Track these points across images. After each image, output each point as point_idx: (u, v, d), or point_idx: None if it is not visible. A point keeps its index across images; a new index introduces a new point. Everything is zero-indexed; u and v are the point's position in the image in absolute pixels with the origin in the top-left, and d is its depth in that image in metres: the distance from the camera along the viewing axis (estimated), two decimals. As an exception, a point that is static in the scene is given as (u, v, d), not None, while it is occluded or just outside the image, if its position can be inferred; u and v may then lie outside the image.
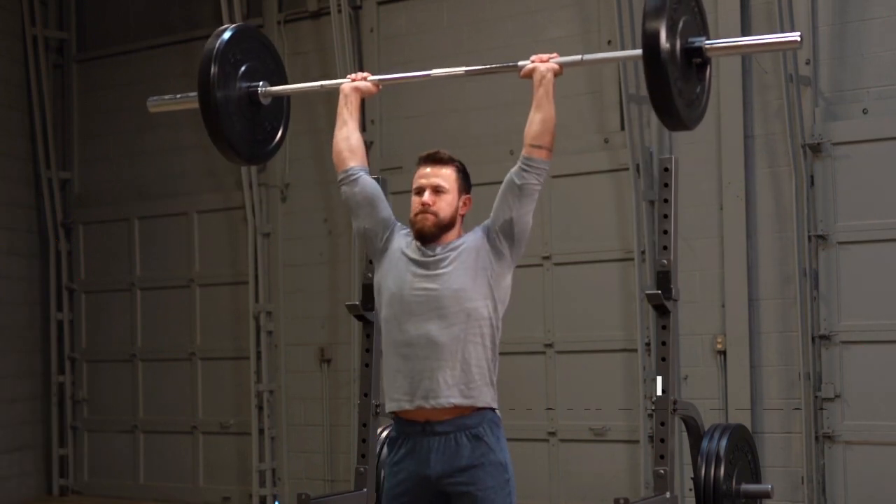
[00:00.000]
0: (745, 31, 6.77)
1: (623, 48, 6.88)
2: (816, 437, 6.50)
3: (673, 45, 3.37)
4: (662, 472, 4.41)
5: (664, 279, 4.64)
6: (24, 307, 9.20)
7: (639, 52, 3.40)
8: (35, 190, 9.29)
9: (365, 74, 3.88)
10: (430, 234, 3.52)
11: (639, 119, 6.95)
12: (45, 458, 9.28)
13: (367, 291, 4.71)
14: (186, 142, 8.89)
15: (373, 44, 8.04)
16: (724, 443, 4.75)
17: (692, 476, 4.81)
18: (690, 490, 4.99)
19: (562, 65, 3.58)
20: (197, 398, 8.80)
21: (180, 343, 8.89)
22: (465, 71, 3.75)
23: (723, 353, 6.80)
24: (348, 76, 3.88)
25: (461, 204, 3.58)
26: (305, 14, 8.30)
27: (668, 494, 4.39)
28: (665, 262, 4.67)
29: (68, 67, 9.43)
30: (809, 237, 6.55)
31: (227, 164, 8.16)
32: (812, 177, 6.60)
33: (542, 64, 3.58)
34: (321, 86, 4.13)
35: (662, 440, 4.49)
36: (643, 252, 6.94)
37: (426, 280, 3.46)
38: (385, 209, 3.70)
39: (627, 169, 7.02)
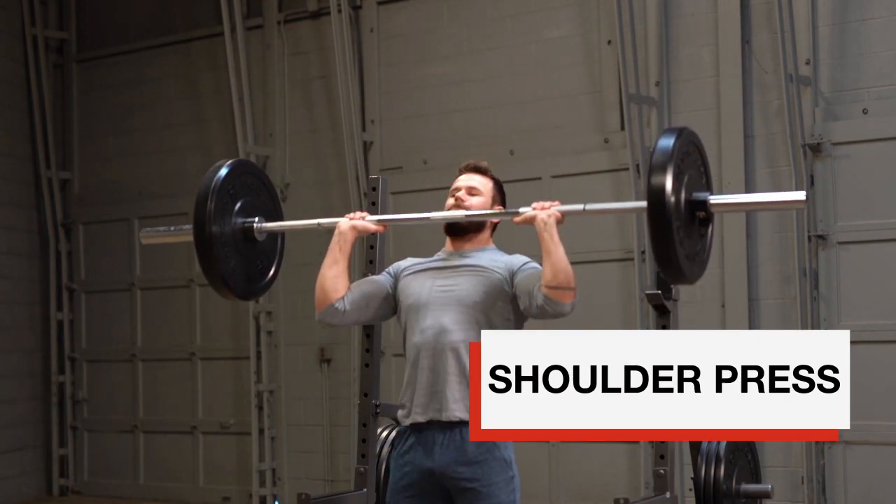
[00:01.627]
0: (745, 32, 6.78)
1: (623, 48, 6.89)
2: (816, 437, 6.50)
3: (678, 199, 3.36)
4: (662, 472, 4.40)
5: (664, 279, 4.64)
6: (24, 307, 9.20)
7: (643, 204, 3.38)
8: (35, 190, 9.29)
9: (363, 214, 3.79)
10: (460, 227, 3.62)
11: (639, 119, 6.95)
12: (45, 458, 9.28)
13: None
14: (186, 142, 8.89)
15: (373, 44, 8.04)
16: (723, 443, 4.75)
17: (692, 476, 4.80)
18: (690, 490, 4.99)
19: (563, 213, 3.52)
20: (197, 398, 8.81)
21: (180, 343, 8.89)
22: (465, 216, 3.68)
23: (723, 353, 6.79)
24: (346, 215, 3.78)
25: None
26: (305, 14, 8.30)
27: (668, 494, 4.39)
28: (665, 262, 4.66)
29: (68, 67, 9.43)
30: (809, 237, 6.56)
31: (227, 164, 8.18)
32: (812, 177, 6.60)
33: (543, 211, 3.50)
34: (318, 224, 4.03)
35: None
36: (643, 252, 6.94)
37: (448, 279, 3.56)
38: (379, 280, 3.74)
39: (627, 169, 7.02)
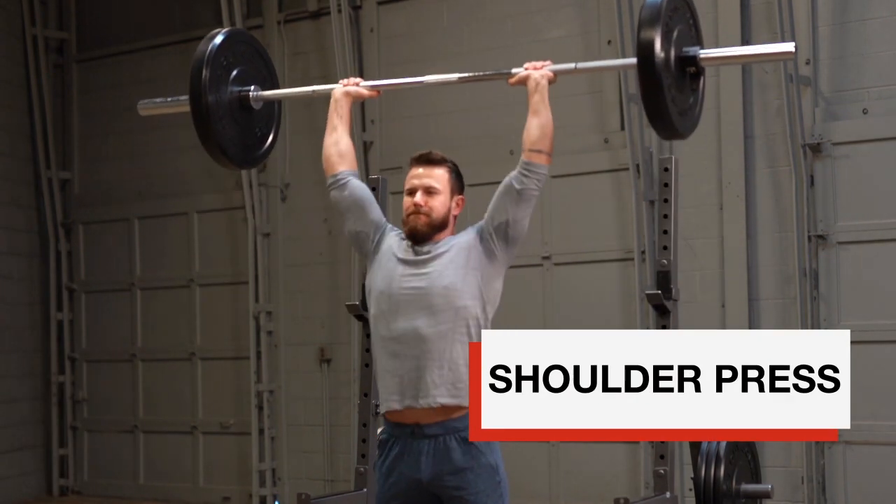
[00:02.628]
0: (745, 32, 6.77)
1: (623, 49, 6.89)
2: (816, 437, 6.51)
3: (667, 54, 3.40)
4: (662, 472, 4.41)
5: (664, 279, 4.65)
6: (24, 307, 9.20)
7: (633, 60, 3.42)
8: (35, 190, 9.29)
9: (357, 80, 3.84)
10: (422, 235, 3.51)
11: (639, 119, 6.94)
12: (45, 458, 9.28)
13: (367, 291, 4.72)
14: (186, 142, 8.87)
15: (373, 44, 8.04)
16: (723, 443, 4.75)
17: (692, 476, 4.80)
18: (690, 490, 4.99)
19: (556, 72, 3.60)
20: (197, 398, 8.80)
21: (180, 343, 8.89)
22: (459, 78, 3.74)
23: (723, 353, 6.79)
24: (340, 81, 3.85)
25: (454, 204, 3.58)
26: (305, 14, 8.30)
27: (668, 494, 4.39)
28: (665, 262, 4.67)
29: (68, 67, 9.43)
30: (809, 237, 6.56)
31: (227, 164, 8.18)
32: (812, 177, 6.60)
33: (536, 71, 3.58)
34: (313, 91, 4.10)
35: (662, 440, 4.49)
36: (643, 252, 6.94)
37: (415, 278, 3.46)
38: (375, 211, 3.68)
39: (627, 169, 7.02)
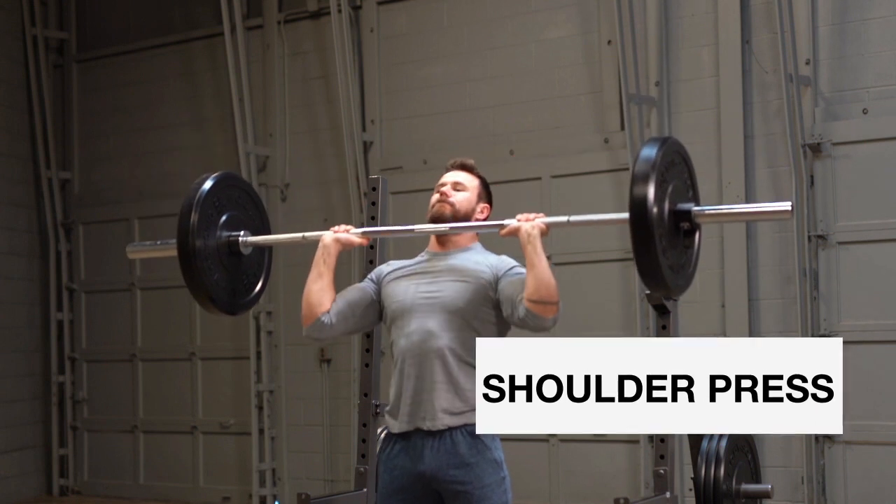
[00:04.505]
0: (745, 33, 6.78)
1: (623, 49, 6.89)
2: (816, 437, 6.50)
3: (661, 210, 3.28)
4: (662, 472, 4.40)
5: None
6: (24, 307, 9.20)
7: (625, 215, 3.30)
8: (35, 190, 9.29)
9: (347, 227, 3.76)
10: (445, 221, 3.60)
11: (639, 119, 6.95)
12: (45, 458, 9.28)
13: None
14: (186, 142, 8.89)
15: (373, 44, 8.04)
16: (724, 443, 4.74)
17: (692, 476, 4.80)
18: (690, 490, 4.99)
19: (548, 224, 3.48)
20: (197, 398, 8.81)
21: (180, 343, 8.89)
22: (450, 228, 3.65)
23: (723, 353, 6.79)
24: (331, 229, 3.76)
25: (479, 209, 3.66)
26: (305, 14, 8.30)
27: (668, 494, 4.39)
28: (665, 262, 4.66)
29: (68, 67, 9.43)
30: (809, 237, 6.56)
31: (227, 164, 8.18)
32: (812, 177, 6.60)
33: (527, 223, 3.46)
34: (303, 237, 3.95)
35: (662, 440, 4.48)
36: (643, 252, 6.93)
37: (431, 285, 3.54)
38: (363, 288, 3.70)
39: (627, 169, 7.02)
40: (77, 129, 9.42)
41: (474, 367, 3.45)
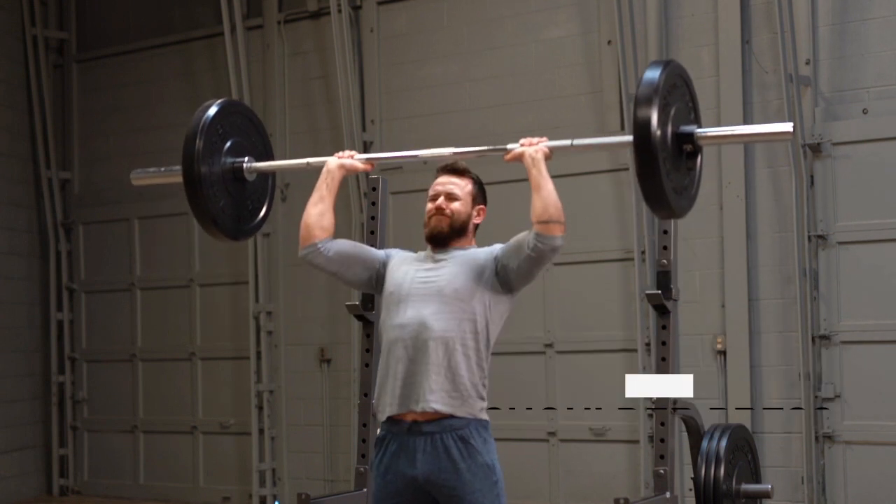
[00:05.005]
0: (745, 33, 6.78)
1: (623, 49, 6.89)
2: (816, 437, 6.51)
3: (664, 133, 3.33)
4: (662, 472, 4.41)
5: (664, 279, 4.64)
6: (24, 307, 9.20)
7: (629, 138, 3.36)
8: (35, 190, 9.29)
9: (352, 153, 3.80)
10: (443, 235, 3.57)
11: (639, 119, 6.93)
12: (45, 458, 9.28)
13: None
14: (186, 142, 8.88)
15: (373, 44, 8.04)
16: (724, 443, 4.75)
17: (692, 476, 4.80)
18: (690, 490, 4.99)
19: (551, 148, 3.54)
20: (197, 398, 8.80)
21: (180, 343, 8.89)
22: (454, 153, 3.69)
23: (723, 353, 6.80)
24: (336, 154, 3.79)
25: (475, 213, 3.64)
26: (305, 14, 8.30)
27: (668, 494, 4.39)
28: (665, 262, 4.67)
29: (68, 67, 9.43)
30: (809, 237, 6.56)
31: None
32: (812, 177, 6.60)
33: (531, 147, 3.52)
34: (307, 163, 4.00)
35: (662, 440, 4.49)
36: (643, 252, 6.94)
37: (430, 272, 3.53)
38: (372, 250, 3.72)
39: (627, 169, 7.02)
40: (77, 129, 9.42)
41: (469, 353, 3.44)
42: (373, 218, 4.89)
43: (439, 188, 3.63)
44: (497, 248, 3.55)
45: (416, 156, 3.85)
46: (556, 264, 7.30)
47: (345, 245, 3.66)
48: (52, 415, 9.25)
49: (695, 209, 6.96)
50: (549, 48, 7.49)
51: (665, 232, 4.70)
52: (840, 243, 6.54)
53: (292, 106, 8.35)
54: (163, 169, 4.22)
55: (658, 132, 3.27)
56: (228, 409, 8.64)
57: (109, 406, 9.23)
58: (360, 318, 5.18)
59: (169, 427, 8.93)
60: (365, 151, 7.93)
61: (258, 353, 8.33)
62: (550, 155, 3.52)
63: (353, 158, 3.77)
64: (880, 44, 6.52)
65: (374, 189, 4.92)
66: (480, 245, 3.67)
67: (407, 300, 3.50)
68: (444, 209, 3.58)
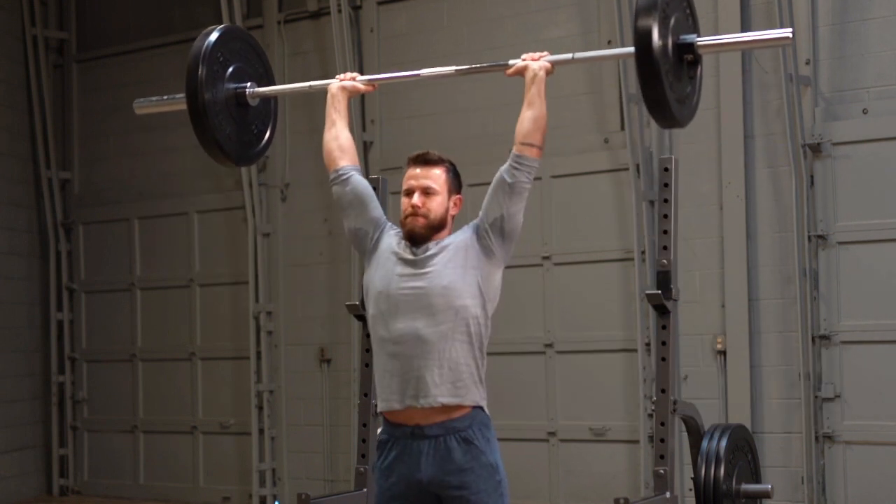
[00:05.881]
0: (745, 31, 6.77)
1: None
2: (816, 437, 6.51)
3: (665, 42, 3.41)
4: (662, 472, 4.41)
5: (664, 279, 4.64)
6: (24, 307, 9.20)
7: (631, 49, 3.44)
8: (35, 190, 9.29)
9: (354, 75, 3.88)
10: (420, 236, 3.49)
11: (639, 119, 6.95)
12: (45, 458, 9.28)
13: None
14: (186, 142, 8.86)
15: (373, 44, 8.04)
16: (724, 443, 4.75)
17: (692, 476, 4.81)
18: (690, 490, 4.99)
19: (553, 63, 3.59)
20: (197, 398, 8.80)
21: (180, 343, 8.89)
22: (456, 70, 3.77)
23: (723, 353, 6.80)
24: (337, 76, 3.87)
25: (452, 204, 3.56)
26: (305, 14, 8.30)
27: (668, 494, 4.39)
28: (665, 262, 4.67)
29: (68, 67, 9.43)
30: (809, 237, 6.56)
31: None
32: (812, 177, 6.60)
33: (534, 62, 3.58)
34: (309, 86, 4.12)
35: (662, 440, 4.49)
36: (643, 252, 6.94)
37: (414, 278, 3.44)
38: (376, 209, 3.66)
39: (627, 169, 7.02)
40: (77, 129, 9.42)
41: (464, 339, 3.40)
42: (373, 218, 4.89)
43: (413, 183, 3.52)
44: (472, 223, 3.51)
45: (417, 74, 3.93)
46: (556, 264, 7.31)
47: (364, 188, 3.66)
48: (52, 415, 9.25)
49: (695, 209, 7.00)
50: (549, 48, 7.41)
51: (665, 232, 4.70)
52: (840, 243, 6.54)
53: (292, 106, 8.35)
54: (165, 97, 4.24)
55: (659, 42, 3.36)
56: (228, 409, 8.64)
57: (109, 406, 9.24)
58: (360, 318, 5.18)
59: (169, 427, 8.93)
60: (365, 151, 7.93)
61: (258, 353, 8.33)
62: (552, 70, 3.57)
63: (355, 80, 3.84)
64: (880, 44, 6.52)
65: (374, 189, 4.92)
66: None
67: (397, 309, 3.43)
68: (418, 208, 3.49)
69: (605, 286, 7.20)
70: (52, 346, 9.24)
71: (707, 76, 6.87)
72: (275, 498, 8.22)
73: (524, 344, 7.34)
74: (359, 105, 7.95)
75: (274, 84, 4.26)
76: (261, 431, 8.30)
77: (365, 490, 4.75)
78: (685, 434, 5.21)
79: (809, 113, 6.61)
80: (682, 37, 3.53)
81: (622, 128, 7.08)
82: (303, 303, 8.31)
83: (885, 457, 6.39)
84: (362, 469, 4.80)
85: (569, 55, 3.70)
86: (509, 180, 3.45)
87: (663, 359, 4.59)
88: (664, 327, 4.60)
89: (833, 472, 6.52)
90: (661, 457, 4.43)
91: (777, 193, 6.70)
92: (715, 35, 6.77)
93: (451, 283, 3.41)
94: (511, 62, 3.64)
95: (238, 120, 4.06)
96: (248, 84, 4.08)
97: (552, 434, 7.36)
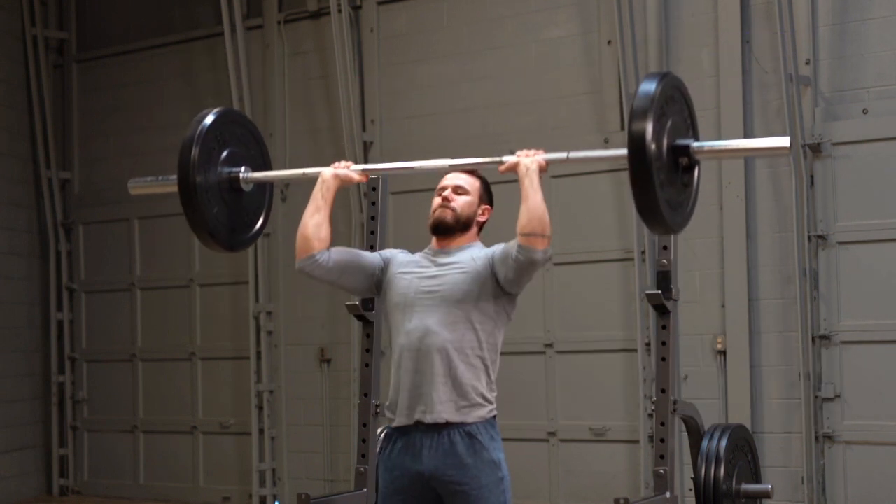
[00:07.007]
0: (745, 33, 6.78)
1: (623, 49, 6.89)
2: (816, 437, 6.51)
3: (659, 144, 3.26)
4: (662, 472, 4.40)
5: (664, 279, 4.64)
6: (24, 307, 9.20)
7: (624, 151, 3.30)
8: (35, 190, 9.29)
9: (348, 163, 3.77)
10: (447, 226, 3.58)
11: (639, 119, 6.93)
12: (45, 458, 9.28)
13: (367, 292, 4.71)
14: (186, 142, 8.88)
15: (373, 44, 8.04)
16: (724, 443, 4.75)
17: (692, 476, 4.80)
18: (690, 490, 4.99)
19: (547, 161, 3.52)
20: (197, 398, 8.80)
21: (180, 343, 8.89)
22: (450, 165, 3.68)
23: (723, 353, 6.80)
24: (332, 164, 3.77)
25: (480, 211, 3.65)
26: (305, 14, 8.30)
27: (668, 494, 4.39)
28: (665, 262, 4.67)
29: (68, 67, 9.43)
30: (809, 237, 6.55)
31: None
32: (812, 177, 6.60)
33: (527, 158, 3.52)
34: (303, 173, 3.96)
35: (662, 440, 4.48)
36: (643, 252, 6.94)
37: (433, 280, 3.54)
38: (368, 256, 3.70)
39: (627, 169, 7.00)
40: (77, 129, 9.42)
41: (474, 361, 3.46)
42: (373, 218, 4.89)
43: (446, 182, 3.66)
44: (494, 249, 3.56)
45: (411, 167, 3.82)
46: (556, 264, 7.31)
47: (342, 254, 3.65)
48: (52, 415, 9.25)
49: (695, 209, 6.96)
50: (549, 48, 7.49)
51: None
52: (840, 243, 6.54)
53: (292, 106, 8.36)
54: (160, 178, 4.17)
55: (653, 144, 3.21)
56: (228, 409, 8.64)
57: (109, 406, 9.23)
58: (360, 318, 5.17)
59: (169, 427, 8.93)
60: (365, 151, 7.93)
61: (258, 353, 8.33)
62: (546, 167, 3.50)
63: (349, 169, 3.74)
64: (880, 44, 6.52)
65: (374, 189, 4.92)
66: (486, 243, 3.68)
67: (412, 309, 3.52)
68: (449, 201, 3.60)
69: (605, 286, 7.20)
70: (52, 346, 9.23)
71: (707, 76, 6.93)
72: (275, 498, 8.22)
73: (524, 344, 7.34)
74: (359, 105, 7.95)
75: (270, 169, 4.14)
76: (261, 431, 8.30)
77: (365, 490, 4.75)
78: (685, 434, 5.21)
79: (809, 113, 6.61)
80: (678, 140, 3.38)
81: (622, 128, 7.08)
82: (303, 303, 8.30)
83: (885, 457, 6.39)
84: (362, 469, 4.80)
85: (563, 154, 3.59)
86: (514, 263, 3.43)
87: (663, 359, 4.58)
88: (664, 327, 4.59)
89: (833, 472, 6.52)
90: (661, 457, 4.43)
91: (777, 193, 6.70)
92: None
93: (466, 297, 3.49)
94: (504, 158, 3.55)
95: (230, 204, 3.95)
96: (242, 168, 3.97)
97: (552, 434, 7.36)
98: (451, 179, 3.66)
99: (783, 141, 3.50)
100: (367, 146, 7.95)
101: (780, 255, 6.69)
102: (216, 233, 3.89)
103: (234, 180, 3.95)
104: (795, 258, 6.54)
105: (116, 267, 9.19)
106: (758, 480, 5.05)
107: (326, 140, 8.18)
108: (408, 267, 3.62)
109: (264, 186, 4.14)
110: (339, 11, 7.86)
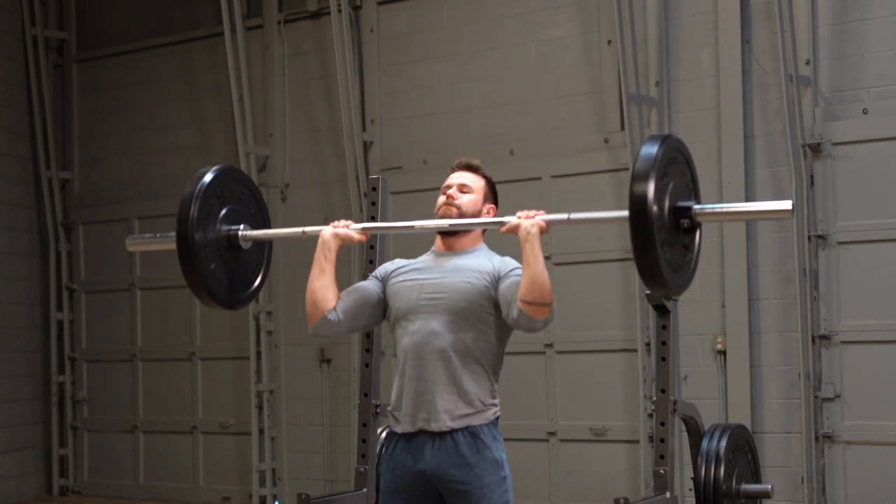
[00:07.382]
0: (745, 33, 6.78)
1: (623, 49, 6.89)
2: (816, 437, 6.51)
3: (661, 207, 3.25)
4: (662, 472, 4.40)
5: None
6: (24, 307, 9.20)
7: (626, 213, 3.26)
8: (35, 190, 9.29)
9: (347, 223, 3.74)
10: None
11: (639, 119, 6.95)
12: (45, 458, 9.28)
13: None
14: (186, 142, 8.89)
15: (373, 44, 8.04)
16: (724, 443, 4.75)
17: (692, 476, 4.80)
18: (690, 490, 4.99)
19: (547, 222, 3.45)
20: (197, 398, 8.80)
21: (180, 343, 8.89)
22: (450, 224, 3.64)
23: (723, 353, 6.80)
24: (331, 223, 3.74)
25: (485, 210, 3.66)
26: (305, 14, 8.30)
27: (668, 494, 4.39)
28: (665, 262, 4.66)
29: (68, 67, 9.43)
30: (809, 237, 6.56)
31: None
32: (812, 177, 6.60)
33: (527, 220, 3.43)
34: (303, 231, 3.90)
35: (662, 440, 4.48)
36: (643, 252, 6.93)
37: (437, 284, 3.54)
38: (368, 287, 3.69)
39: (627, 169, 7.01)
40: (77, 129, 9.42)
41: (477, 368, 3.46)
42: (373, 218, 4.88)
43: (451, 181, 3.67)
44: (503, 270, 3.52)
45: (411, 226, 3.79)
46: (556, 264, 7.31)
47: (346, 301, 3.62)
48: (52, 415, 9.25)
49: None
50: (549, 48, 7.49)
51: (665, 232, 4.68)
52: (840, 243, 6.54)
53: (292, 106, 8.36)
54: (158, 235, 4.16)
55: (655, 206, 3.18)
56: (228, 409, 8.64)
57: (109, 406, 9.24)
58: (359, 318, 5.17)
59: (169, 427, 8.93)
60: (365, 151, 7.93)
61: (258, 353, 8.33)
62: (546, 229, 3.43)
63: (349, 228, 3.70)
64: (880, 44, 6.52)
65: (374, 189, 4.91)
66: (488, 243, 3.69)
67: (416, 313, 3.52)
68: (454, 199, 3.61)
69: (605, 286, 7.20)
70: (52, 346, 9.23)
71: (707, 76, 6.93)
72: (275, 498, 8.22)
73: (524, 343, 7.31)
74: (359, 105, 7.95)
75: (269, 227, 4.10)
76: (261, 431, 8.30)
77: (365, 490, 4.75)
78: (685, 434, 5.21)
79: (809, 113, 6.61)
80: (680, 202, 3.37)
81: (622, 128, 7.08)
82: (303, 303, 8.26)
83: (885, 457, 6.40)
84: (362, 469, 4.80)
85: (564, 216, 3.52)
86: (512, 317, 3.41)
87: (663, 359, 4.58)
88: (664, 327, 4.59)
89: (833, 472, 6.52)
90: (661, 457, 4.43)
91: (777, 193, 6.70)
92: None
93: (469, 305, 3.49)
94: (505, 219, 3.49)
95: (229, 262, 3.91)
96: (241, 226, 3.93)
97: (552, 434, 7.36)
98: (456, 178, 3.67)
99: (785, 204, 3.46)
100: (367, 146, 7.95)
101: (780, 255, 6.69)
102: (215, 291, 3.84)
103: (233, 238, 3.92)
104: (795, 258, 6.54)
105: (116, 267, 9.19)
106: (758, 480, 5.04)
107: (326, 140, 8.18)
108: (408, 273, 3.62)
109: (263, 244, 4.10)
110: (339, 11, 7.85)
